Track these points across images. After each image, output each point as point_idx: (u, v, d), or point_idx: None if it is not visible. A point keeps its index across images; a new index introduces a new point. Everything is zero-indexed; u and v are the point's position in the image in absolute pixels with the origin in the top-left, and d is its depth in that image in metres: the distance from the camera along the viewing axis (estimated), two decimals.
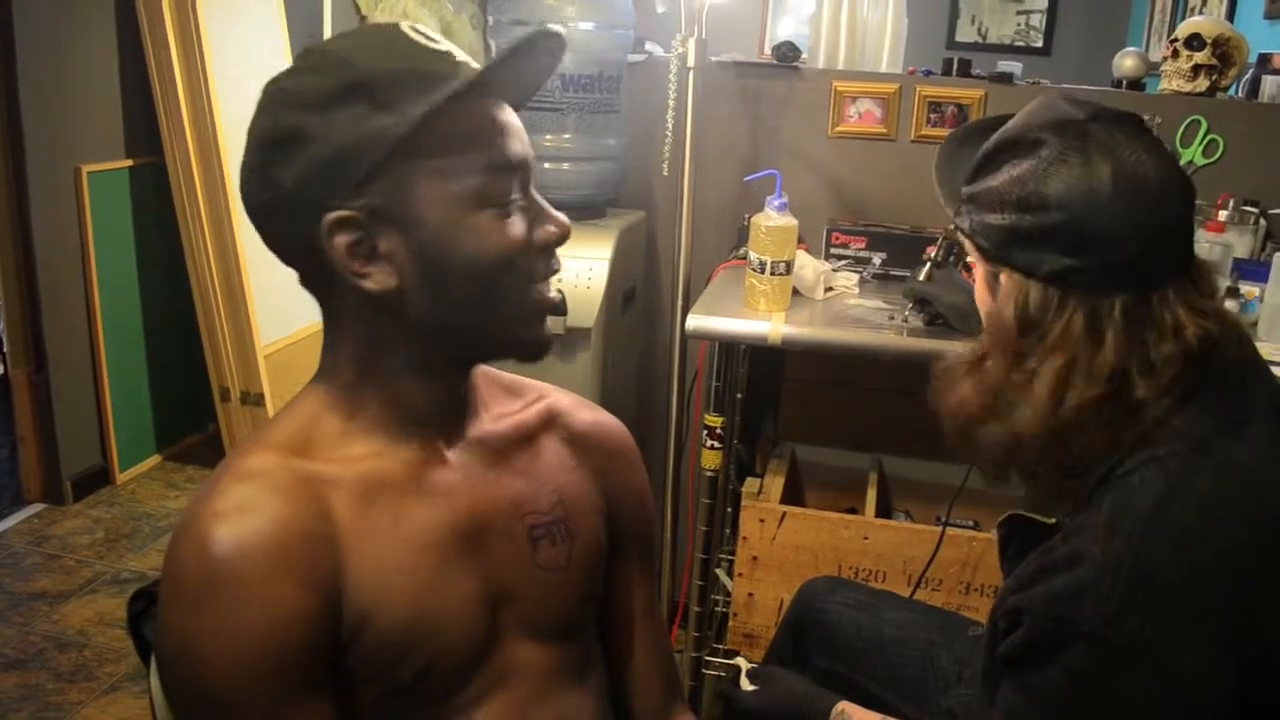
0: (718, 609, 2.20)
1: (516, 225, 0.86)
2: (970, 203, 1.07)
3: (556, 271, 0.91)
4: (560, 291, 0.95)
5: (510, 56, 0.83)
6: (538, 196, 0.89)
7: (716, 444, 1.98)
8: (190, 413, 3.51)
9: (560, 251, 0.90)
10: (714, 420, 1.96)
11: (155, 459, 3.41)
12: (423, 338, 0.88)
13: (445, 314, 0.86)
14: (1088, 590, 0.90)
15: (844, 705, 1.26)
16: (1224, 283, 2.03)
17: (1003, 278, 1.04)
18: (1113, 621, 0.89)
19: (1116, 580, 0.89)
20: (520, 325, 0.89)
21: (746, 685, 1.32)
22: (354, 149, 0.80)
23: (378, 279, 0.84)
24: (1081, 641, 0.90)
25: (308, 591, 0.80)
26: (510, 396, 1.02)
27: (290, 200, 0.83)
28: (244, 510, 0.80)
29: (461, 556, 0.89)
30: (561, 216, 0.89)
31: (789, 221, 1.87)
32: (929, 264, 1.87)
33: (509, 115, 0.87)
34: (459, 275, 0.84)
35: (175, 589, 0.79)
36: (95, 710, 2.20)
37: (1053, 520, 1.01)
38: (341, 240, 0.82)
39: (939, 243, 1.91)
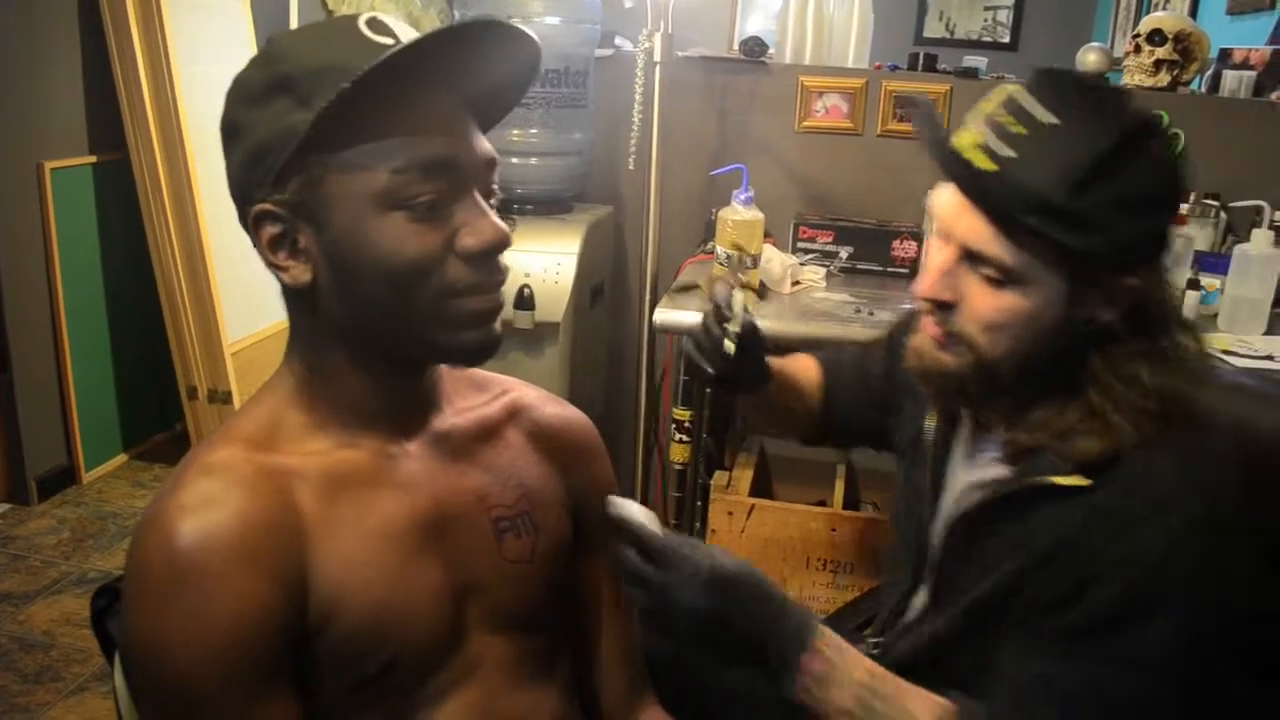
0: None
1: (430, 232, 0.82)
2: (1101, 214, 0.94)
3: (494, 281, 0.86)
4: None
5: (417, 45, 0.78)
6: (478, 200, 0.84)
7: (685, 437, 1.99)
8: (157, 411, 3.46)
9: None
10: (682, 414, 1.98)
11: (122, 458, 3.37)
12: (346, 337, 0.87)
13: (357, 316, 0.85)
14: (1184, 540, 0.93)
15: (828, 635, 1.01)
16: (1186, 275, 2.07)
17: (1127, 282, 0.98)
18: (1212, 567, 0.94)
19: (1209, 531, 0.94)
20: (442, 333, 0.85)
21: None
22: (272, 143, 0.80)
23: (293, 273, 0.84)
24: (1182, 592, 0.93)
25: (272, 585, 0.79)
26: (475, 390, 1.01)
27: (235, 191, 0.85)
28: (208, 504, 0.79)
29: (426, 549, 0.89)
30: (496, 224, 0.84)
31: (755, 215, 1.88)
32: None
33: (441, 112, 0.83)
34: (365, 278, 0.82)
35: (139, 584, 0.79)
36: (62, 711, 2.18)
37: (1087, 482, 0.99)
38: (266, 233, 0.83)
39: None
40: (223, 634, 0.77)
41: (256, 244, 0.85)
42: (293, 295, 0.87)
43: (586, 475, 1.07)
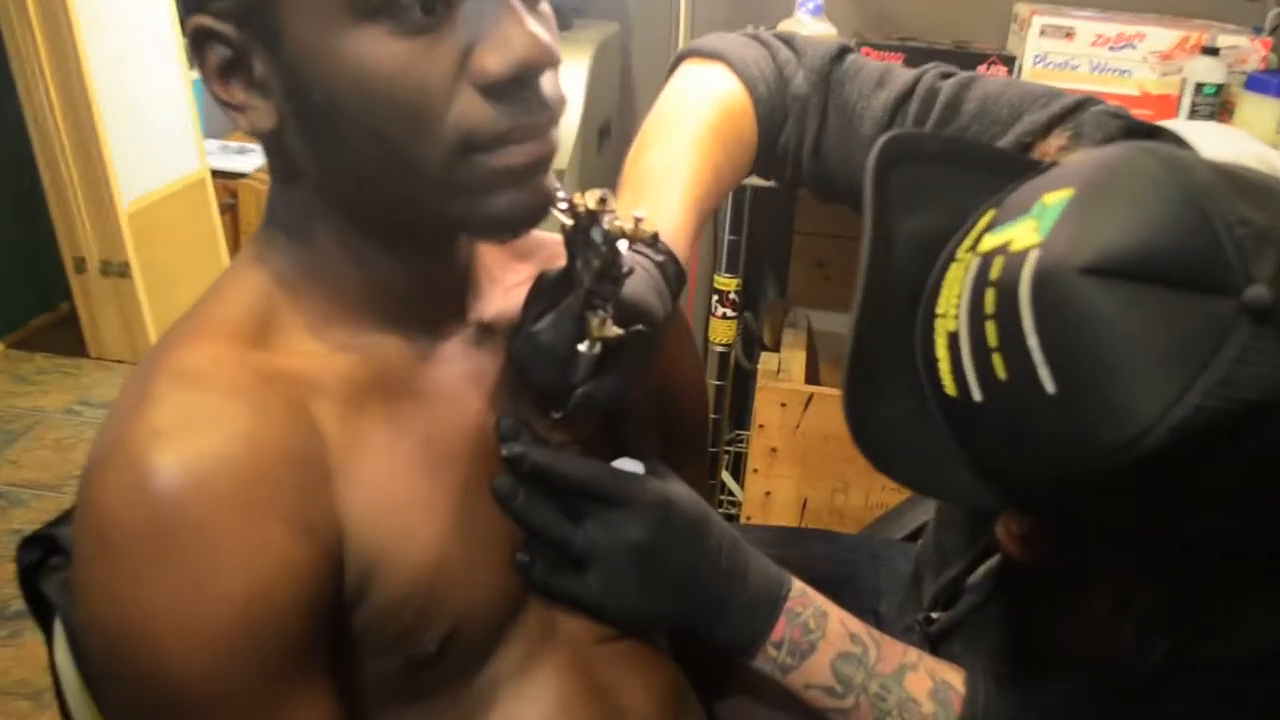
0: (719, 510, 2.10)
1: (429, 51, 0.63)
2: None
3: (535, 124, 0.66)
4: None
5: None
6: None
7: (730, 312, 1.82)
8: (36, 290, 3.34)
9: None
10: (727, 283, 1.80)
11: None
12: (331, 205, 0.70)
13: (339, 178, 0.68)
14: None
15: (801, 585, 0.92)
16: None
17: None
18: None
19: None
20: (460, 200, 0.67)
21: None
22: None
23: (251, 116, 0.67)
24: None
25: (298, 537, 0.65)
26: (519, 260, 0.87)
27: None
28: (194, 425, 0.63)
29: (481, 478, 0.76)
30: (529, 32, 0.63)
31: (827, 29, 1.69)
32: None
33: None
34: (339, 124, 0.64)
35: (103, 545, 0.62)
36: None
37: None
38: (212, 58, 0.66)
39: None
40: (231, 610, 0.62)
41: (202, 73, 0.67)
42: (264, 143, 0.71)
43: (668, 363, 0.94)
